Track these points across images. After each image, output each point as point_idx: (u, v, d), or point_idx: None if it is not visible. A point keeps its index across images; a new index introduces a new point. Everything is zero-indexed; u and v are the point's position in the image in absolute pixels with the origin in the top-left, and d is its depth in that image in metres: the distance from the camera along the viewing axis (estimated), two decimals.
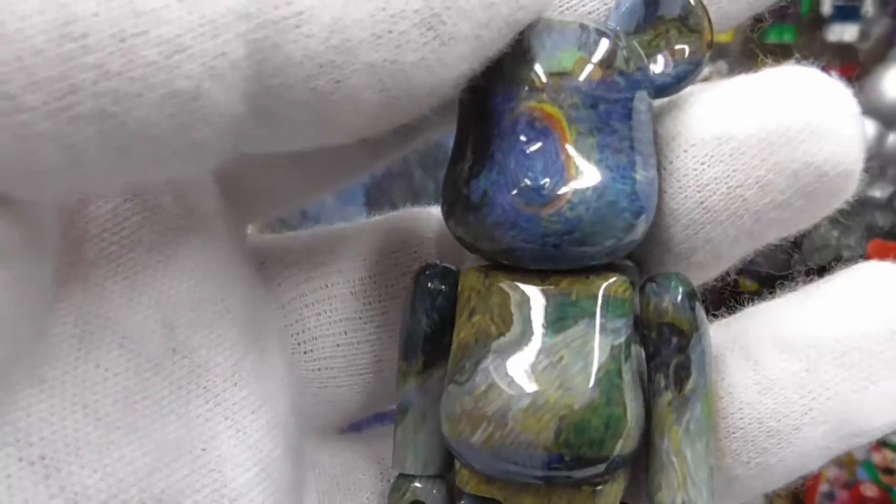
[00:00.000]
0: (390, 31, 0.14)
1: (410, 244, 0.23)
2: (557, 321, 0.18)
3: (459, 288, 0.19)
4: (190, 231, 0.18)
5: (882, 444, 0.88)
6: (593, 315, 0.18)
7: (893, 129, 1.12)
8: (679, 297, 0.19)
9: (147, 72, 0.12)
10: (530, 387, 0.18)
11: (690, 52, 0.18)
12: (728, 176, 0.18)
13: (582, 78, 0.18)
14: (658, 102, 0.19)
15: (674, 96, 0.19)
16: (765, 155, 0.18)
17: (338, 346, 0.22)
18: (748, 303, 0.22)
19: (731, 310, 0.22)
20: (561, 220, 0.17)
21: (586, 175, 0.17)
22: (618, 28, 0.19)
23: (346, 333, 0.22)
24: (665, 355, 0.19)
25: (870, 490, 0.89)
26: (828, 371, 0.19)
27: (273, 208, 0.22)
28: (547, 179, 0.17)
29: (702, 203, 0.18)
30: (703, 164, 0.18)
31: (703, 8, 0.18)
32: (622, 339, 0.18)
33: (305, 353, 0.22)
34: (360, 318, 0.22)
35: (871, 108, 1.14)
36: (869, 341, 0.19)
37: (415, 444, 0.21)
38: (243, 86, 0.13)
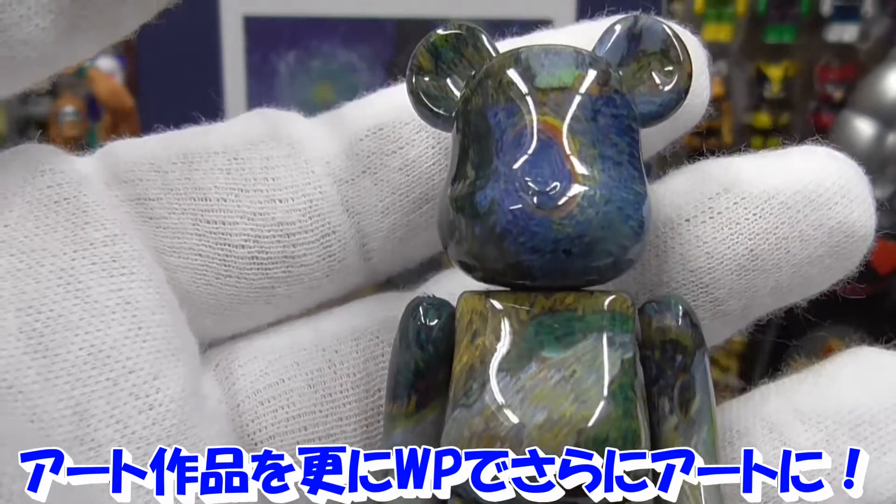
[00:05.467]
0: None
1: (372, 329, 0.22)
2: (565, 336, 0.18)
3: (459, 313, 0.19)
4: (121, 323, 0.18)
5: None
6: (601, 329, 0.18)
7: (893, 129, 1.12)
8: (681, 314, 0.19)
9: None
10: (545, 402, 0.17)
11: (673, 83, 0.19)
12: (777, 227, 0.20)
13: (581, 92, 0.18)
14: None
15: (720, 160, 0.21)
16: (807, 211, 0.20)
17: (297, 444, 0.20)
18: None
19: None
20: (572, 222, 0.17)
21: (592, 181, 0.18)
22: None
23: (305, 429, 0.21)
24: (669, 376, 0.19)
25: None
26: (845, 442, 0.20)
27: (228, 328, 0.22)
28: (556, 183, 0.17)
29: (752, 251, 0.20)
30: (754, 214, 0.20)
31: (682, 41, 0.19)
32: (630, 355, 0.18)
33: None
34: (319, 411, 0.21)
35: (872, 108, 1.14)
36: (876, 414, 0.20)
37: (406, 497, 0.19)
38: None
